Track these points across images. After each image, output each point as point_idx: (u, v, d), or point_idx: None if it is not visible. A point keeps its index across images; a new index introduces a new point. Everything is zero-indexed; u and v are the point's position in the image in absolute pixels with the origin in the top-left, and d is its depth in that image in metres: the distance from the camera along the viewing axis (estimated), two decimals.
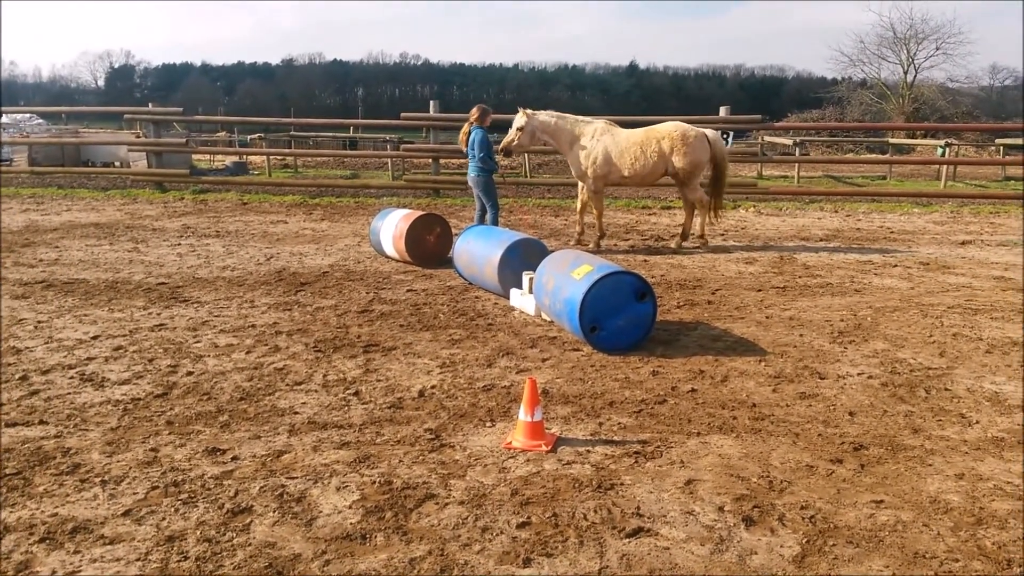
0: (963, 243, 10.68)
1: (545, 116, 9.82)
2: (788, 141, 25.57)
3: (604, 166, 9.63)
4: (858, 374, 5.16)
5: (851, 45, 69.89)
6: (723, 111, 15.43)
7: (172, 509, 3.30)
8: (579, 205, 10.22)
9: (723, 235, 11.21)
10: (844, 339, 5.95)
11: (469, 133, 9.46)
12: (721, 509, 3.33)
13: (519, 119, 9.75)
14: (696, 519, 3.25)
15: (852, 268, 8.82)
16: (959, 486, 3.57)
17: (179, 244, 10.14)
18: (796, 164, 21.05)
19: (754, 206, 14.54)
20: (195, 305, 6.90)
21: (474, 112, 9.59)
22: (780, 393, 4.78)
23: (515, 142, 9.84)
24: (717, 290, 7.61)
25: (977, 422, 4.34)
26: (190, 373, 5.07)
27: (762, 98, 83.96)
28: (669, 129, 9.64)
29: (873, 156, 26.44)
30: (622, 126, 10.17)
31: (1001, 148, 23.34)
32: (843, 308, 6.92)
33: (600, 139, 9.68)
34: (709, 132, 9.80)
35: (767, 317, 6.59)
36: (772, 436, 4.13)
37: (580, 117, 10.03)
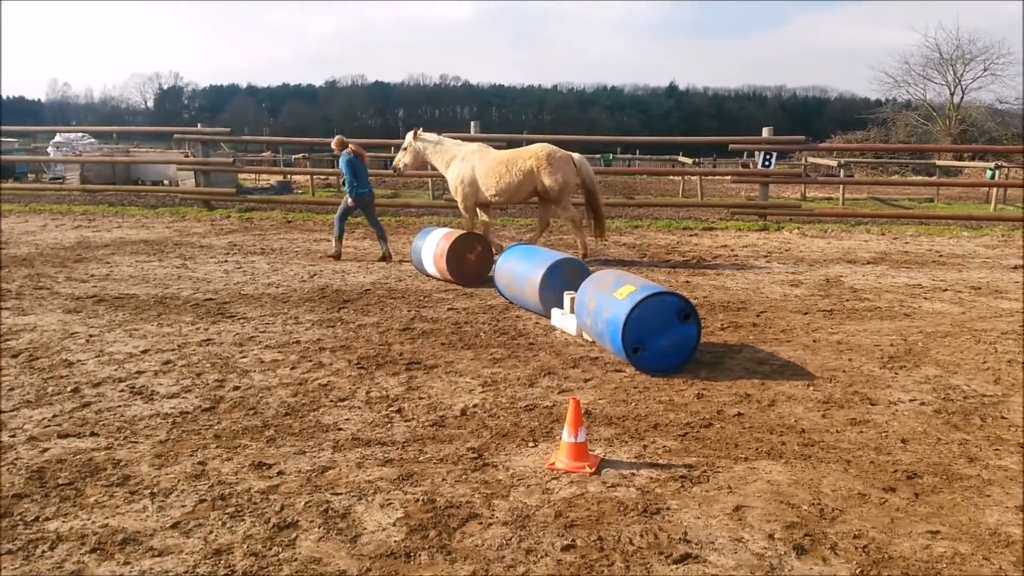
0: (1015, 267, 10.40)
1: (426, 139, 10.60)
2: (832, 163, 25.24)
3: (470, 186, 10.12)
4: (910, 400, 5.03)
5: (895, 66, 68.84)
6: (766, 132, 15.31)
7: (219, 522, 3.33)
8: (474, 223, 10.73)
9: (767, 256, 11.07)
10: (895, 364, 5.81)
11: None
12: (771, 536, 3.26)
13: (408, 139, 10.65)
14: (745, 546, 3.18)
15: (901, 292, 8.63)
16: (1020, 519, 3.44)
17: (226, 261, 10.33)
18: (841, 186, 20.75)
19: (798, 227, 14.36)
20: (241, 321, 7.00)
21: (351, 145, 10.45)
22: (830, 419, 4.68)
23: (402, 162, 10.86)
24: (762, 312, 7.50)
25: None
26: (237, 388, 5.14)
27: (804, 119, 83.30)
28: (535, 150, 10.04)
29: (920, 178, 25.97)
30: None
31: None
32: (892, 332, 6.76)
33: (468, 159, 10.19)
34: (575, 155, 10.21)
35: (814, 341, 6.47)
36: (822, 463, 4.03)
37: (457, 140, 10.72)
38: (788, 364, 5.79)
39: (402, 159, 10.89)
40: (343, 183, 10.51)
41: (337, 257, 10.51)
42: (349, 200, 10.36)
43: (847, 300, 8.14)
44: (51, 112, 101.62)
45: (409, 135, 10.79)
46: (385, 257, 10.48)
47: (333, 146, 10.82)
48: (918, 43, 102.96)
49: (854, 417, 4.70)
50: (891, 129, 45.25)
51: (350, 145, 10.47)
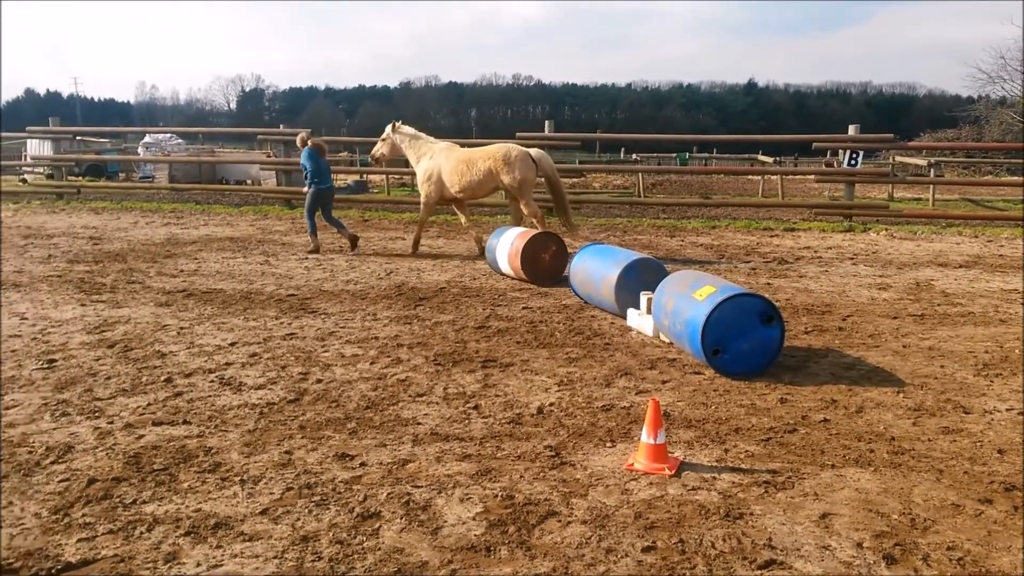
0: None
1: (403, 132, 11.18)
2: (922, 162, 24.24)
3: (435, 184, 10.73)
4: (1007, 409, 4.79)
5: (990, 61, 65.41)
6: (852, 130, 14.83)
7: (306, 510, 3.42)
8: (461, 220, 11.39)
9: (852, 259, 10.72)
10: (990, 372, 5.54)
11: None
12: (860, 545, 3.15)
13: (387, 130, 11.25)
14: (833, 554, 3.09)
15: (996, 297, 8.23)
16: None
17: (306, 258, 10.60)
18: (931, 186, 19.92)
19: (886, 229, 13.85)
20: (322, 316, 7.18)
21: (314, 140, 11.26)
22: (921, 427, 4.50)
23: (380, 151, 11.46)
24: (848, 316, 7.26)
25: None
26: (319, 381, 5.27)
27: (891, 117, 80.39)
28: (494, 150, 10.41)
29: (1016, 179, 24.70)
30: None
31: None
32: (988, 339, 6.46)
33: (435, 158, 10.73)
34: (534, 151, 10.50)
35: (904, 346, 6.23)
36: (913, 472, 3.88)
37: (430, 139, 11.21)
38: (876, 370, 5.59)
39: (380, 148, 11.49)
40: (305, 176, 11.22)
41: (316, 251, 10.96)
42: (306, 188, 11.15)
43: (938, 305, 7.81)
44: (139, 114, 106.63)
45: (388, 127, 11.36)
46: (354, 241, 11.16)
47: (298, 142, 11.49)
48: (1015, 37, 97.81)
49: (947, 426, 4.51)
50: (984, 127, 43.01)
51: (310, 141, 11.21)
